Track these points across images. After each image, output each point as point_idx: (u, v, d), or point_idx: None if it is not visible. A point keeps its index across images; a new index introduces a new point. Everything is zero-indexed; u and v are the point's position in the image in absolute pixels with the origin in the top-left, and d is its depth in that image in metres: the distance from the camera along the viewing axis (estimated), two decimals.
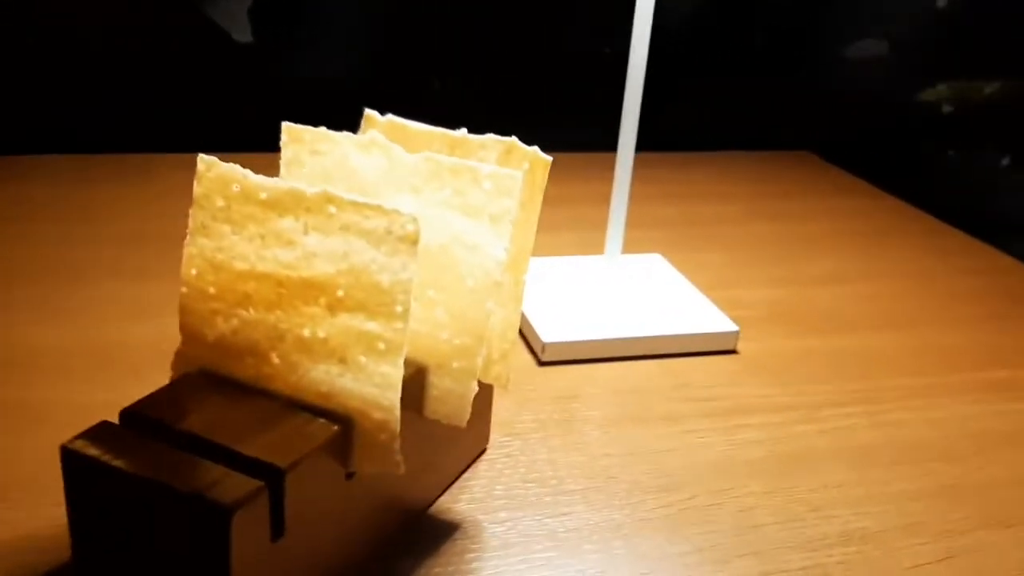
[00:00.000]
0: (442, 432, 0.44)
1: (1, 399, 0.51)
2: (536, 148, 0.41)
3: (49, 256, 0.70)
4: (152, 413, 0.37)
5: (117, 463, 0.34)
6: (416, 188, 0.39)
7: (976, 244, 0.89)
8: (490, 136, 0.41)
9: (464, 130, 0.42)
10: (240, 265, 0.38)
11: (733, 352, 0.64)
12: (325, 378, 0.37)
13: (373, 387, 0.36)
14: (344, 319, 0.36)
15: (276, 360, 0.38)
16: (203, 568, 0.33)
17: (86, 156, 0.92)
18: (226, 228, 0.38)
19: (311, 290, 0.37)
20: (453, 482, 0.48)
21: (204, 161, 0.37)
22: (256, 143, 0.79)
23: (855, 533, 0.47)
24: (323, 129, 0.41)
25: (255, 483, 0.33)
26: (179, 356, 0.40)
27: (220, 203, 0.38)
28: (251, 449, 0.35)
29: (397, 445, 0.37)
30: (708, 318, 0.65)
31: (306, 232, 0.37)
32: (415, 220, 0.35)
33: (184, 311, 0.39)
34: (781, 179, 1.04)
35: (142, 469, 0.34)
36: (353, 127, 0.43)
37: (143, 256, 0.71)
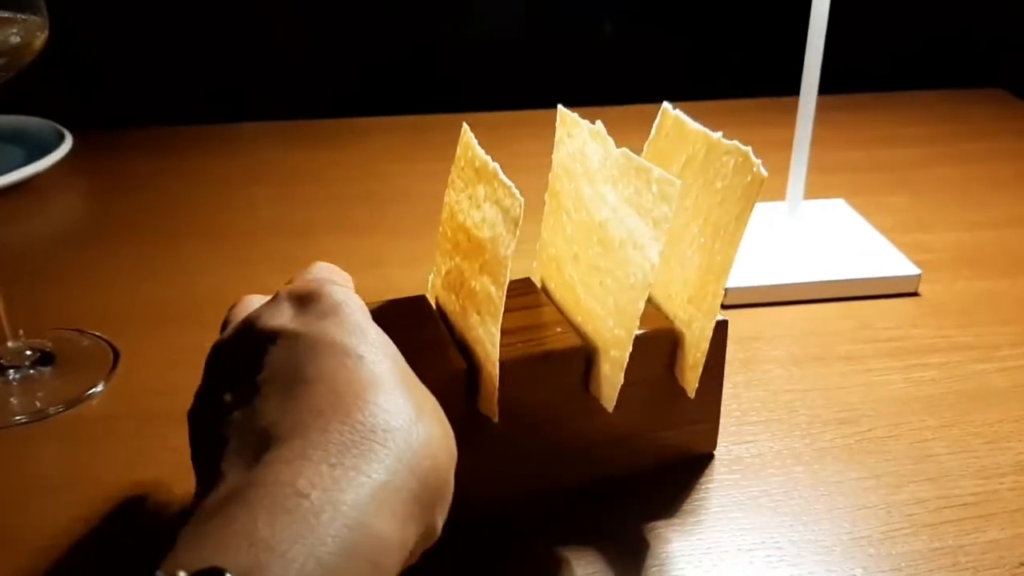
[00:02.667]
0: (650, 422, 0.49)
1: None
2: (760, 163, 0.42)
3: (281, 215, 0.80)
4: None
5: None
6: (615, 181, 0.44)
7: None
8: (735, 143, 0.43)
9: (721, 133, 0.45)
10: (460, 217, 0.46)
11: (915, 295, 0.67)
12: (475, 324, 0.44)
13: (489, 343, 0.43)
14: (484, 279, 0.43)
15: (459, 301, 0.46)
16: None
17: (298, 122, 1.02)
18: (460, 184, 0.46)
19: (479, 249, 0.44)
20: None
21: (463, 129, 0.46)
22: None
23: None
24: (575, 115, 0.48)
25: None
26: (431, 283, 0.50)
27: (462, 164, 0.45)
28: None
29: (495, 396, 0.42)
30: (890, 262, 0.68)
31: (484, 200, 0.44)
32: (521, 204, 0.40)
33: (437, 246, 0.48)
34: (969, 119, 1.03)
35: None
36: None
37: (360, 212, 0.80)
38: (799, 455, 0.51)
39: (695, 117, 0.47)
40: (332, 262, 0.71)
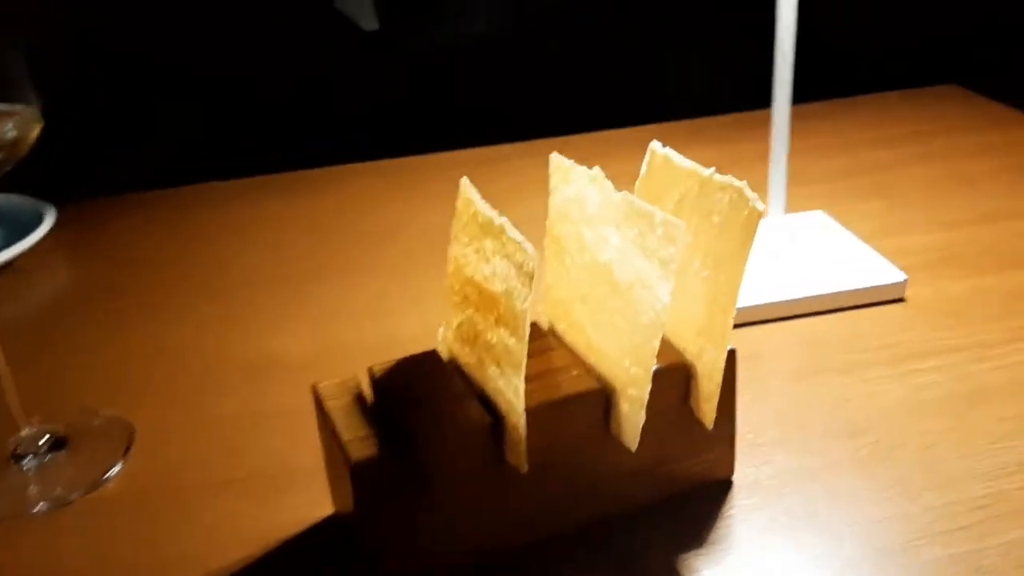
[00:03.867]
0: (669, 453, 0.50)
1: (274, 405, 0.62)
2: (756, 197, 0.44)
3: (272, 268, 0.81)
4: (379, 374, 0.48)
5: (328, 404, 0.47)
6: (618, 224, 0.46)
7: None
8: (729, 179, 0.45)
9: (714, 169, 0.46)
10: (468, 271, 0.47)
11: (902, 300, 0.68)
12: (494, 376, 0.45)
13: (512, 395, 0.44)
14: (501, 331, 0.44)
15: (476, 353, 0.47)
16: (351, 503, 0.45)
17: (271, 176, 1.03)
18: (465, 239, 0.47)
19: (491, 302, 0.45)
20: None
21: (462, 184, 0.47)
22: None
23: None
24: (571, 163, 0.49)
25: (387, 447, 0.43)
26: (442, 336, 0.50)
27: (464, 219, 0.46)
28: (414, 419, 0.44)
29: (523, 447, 0.43)
30: (875, 269, 0.70)
31: (493, 254, 0.45)
32: (535, 258, 0.41)
33: (447, 300, 0.49)
34: (929, 117, 1.06)
35: (335, 413, 0.46)
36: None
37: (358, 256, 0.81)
38: (814, 472, 0.52)
39: (667, 139, 0.48)
40: (331, 311, 0.72)
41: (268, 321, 0.73)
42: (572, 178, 0.49)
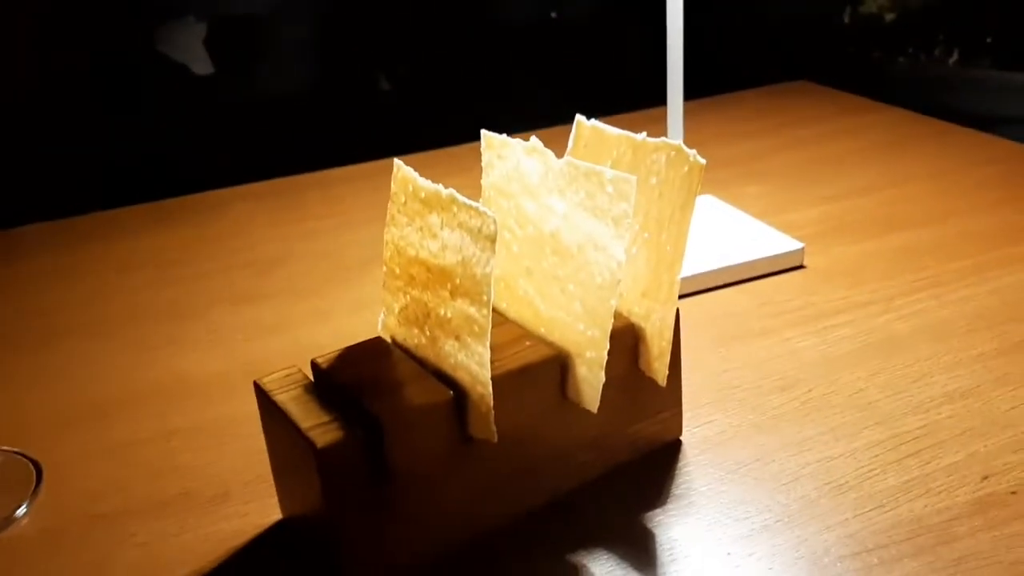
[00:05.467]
0: (623, 418, 0.50)
1: (204, 418, 0.59)
2: (695, 152, 0.45)
3: (167, 297, 0.77)
4: (325, 365, 0.46)
5: (278, 397, 0.44)
6: (562, 190, 0.45)
7: (984, 137, 0.96)
8: (663, 140, 0.46)
9: (644, 134, 0.47)
10: (411, 251, 0.46)
11: (802, 267, 0.72)
12: (451, 352, 0.44)
13: (476, 364, 0.43)
14: (459, 303, 0.43)
15: (426, 333, 0.46)
16: (315, 495, 0.42)
17: (147, 205, 0.98)
18: (404, 219, 0.46)
19: (443, 276, 0.44)
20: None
21: (396, 165, 0.45)
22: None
23: (955, 392, 0.54)
24: (504, 137, 0.48)
25: (352, 430, 0.41)
26: (383, 323, 0.49)
27: (402, 199, 0.45)
28: (371, 403, 0.43)
29: (491, 416, 0.43)
30: (773, 241, 0.72)
31: (442, 227, 0.44)
32: (495, 221, 0.41)
33: (384, 286, 0.48)
34: (789, 109, 1.11)
35: (288, 404, 0.44)
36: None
37: (249, 280, 0.78)
38: (757, 425, 0.53)
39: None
40: (225, 334, 0.69)
41: (163, 347, 0.68)
42: (507, 153, 0.49)
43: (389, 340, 0.49)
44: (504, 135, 0.49)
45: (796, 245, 0.72)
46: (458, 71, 1.13)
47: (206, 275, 0.80)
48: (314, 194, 0.97)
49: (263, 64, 1.10)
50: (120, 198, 0.98)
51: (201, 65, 1.09)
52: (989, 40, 1.16)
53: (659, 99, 0.74)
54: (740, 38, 1.22)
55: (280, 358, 0.55)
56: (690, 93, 1.16)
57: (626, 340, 0.48)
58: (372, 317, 0.51)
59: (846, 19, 1.24)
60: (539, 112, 1.01)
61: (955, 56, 1.17)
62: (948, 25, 1.14)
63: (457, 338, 0.44)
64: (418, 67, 1.12)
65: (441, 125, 1.08)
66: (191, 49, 1.09)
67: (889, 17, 1.17)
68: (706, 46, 1.18)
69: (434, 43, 1.11)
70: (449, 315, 0.44)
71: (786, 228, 0.76)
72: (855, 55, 1.22)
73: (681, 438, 0.53)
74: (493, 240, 0.41)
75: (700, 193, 0.45)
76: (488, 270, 0.41)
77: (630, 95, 1.04)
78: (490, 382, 0.42)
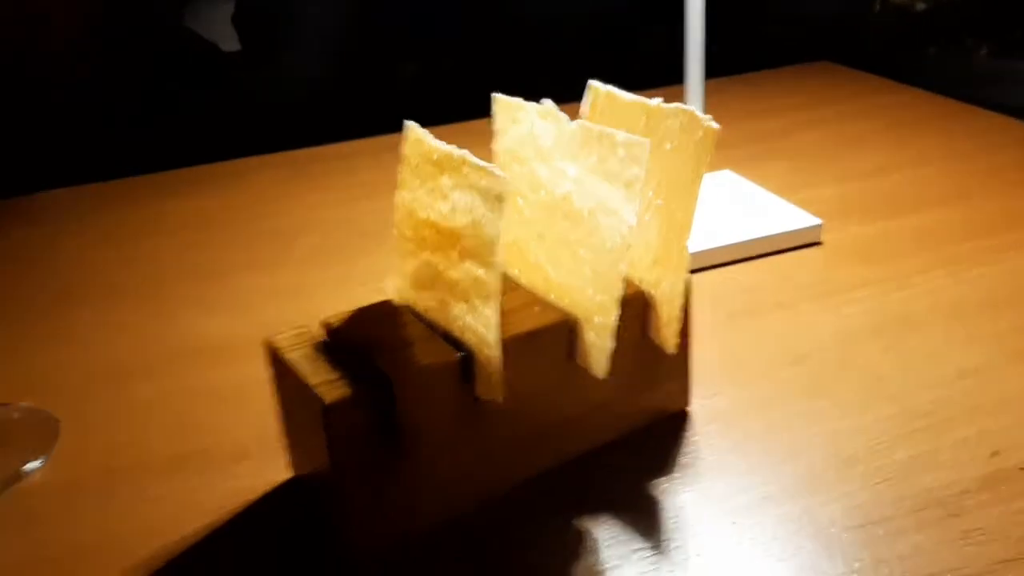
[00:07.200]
0: (632, 385, 0.50)
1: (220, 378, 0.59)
2: (709, 117, 0.44)
3: (190, 261, 0.78)
4: (335, 324, 0.46)
5: (288, 355, 0.45)
6: (575, 154, 0.45)
7: (1002, 119, 0.95)
8: (677, 105, 0.45)
9: (660, 100, 0.46)
10: (422, 213, 0.46)
11: (819, 244, 0.71)
12: (459, 314, 0.44)
13: (483, 327, 0.43)
14: (467, 265, 0.43)
15: (436, 295, 0.46)
16: (322, 453, 0.42)
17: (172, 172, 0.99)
18: (416, 182, 0.46)
19: (453, 238, 0.44)
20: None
21: (408, 127, 0.45)
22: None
23: (968, 367, 0.54)
24: (519, 100, 0.48)
25: (360, 387, 0.42)
26: (394, 286, 0.49)
27: (415, 161, 0.45)
28: (381, 361, 0.43)
29: (499, 378, 0.43)
30: (792, 217, 0.72)
31: (453, 189, 0.44)
32: (505, 182, 0.40)
33: (396, 249, 0.48)
34: (811, 90, 1.10)
35: (298, 362, 0.44)
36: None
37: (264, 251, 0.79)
38: (766, 398, 0.53)
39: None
40: (244, 300, 0.69)
41: (183, 310, 0.69)
42: (520, 116, 0.49)
43: (399, 302, 0.49)
44: (517, 99, 0.49)
45: (814, 221, 0.71)
46: (480, 49, 1.13)
47: (229, 241, 0.81)
48: (335, 164, 0.97)
49: (288, 41, 1.11)
50: (147, 165, 0.99)
51: (230, 43, 1.10)
52: (1019, 35, 1.14)
53: (680, 79, 0.73)
54: (765, 25, 1.21)
55: (299, 322, 0.55)
56: (712, 72, 1.16)
57: (636, 307, 0.48)
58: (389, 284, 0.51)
59: (876, 7, 1.23)
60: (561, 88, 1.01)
61: (984, 49, 1.15)
62: (979, 16, 1.12)
63: (466, 300, 0.44)
64: (439, 46, 1.12)
65: (462, 101, 1.08)
66: (219, 28, 1.11)
67: (920, 7, 1.15)
68: (731, 30, 1.18)
69: (455, 24, 1.11)
70: (458, 277, 0.44)
71: (805, 205, 0.76)
72: (883, 44, 1.21)
73: (690, 408, 0.53)
74: (503, 200, 0.41)
75: (719, 169, 0.45)
76: (497, 231, 0.41)
77: (650, 75, 1.03)
78: (498, 344, 0.42)
